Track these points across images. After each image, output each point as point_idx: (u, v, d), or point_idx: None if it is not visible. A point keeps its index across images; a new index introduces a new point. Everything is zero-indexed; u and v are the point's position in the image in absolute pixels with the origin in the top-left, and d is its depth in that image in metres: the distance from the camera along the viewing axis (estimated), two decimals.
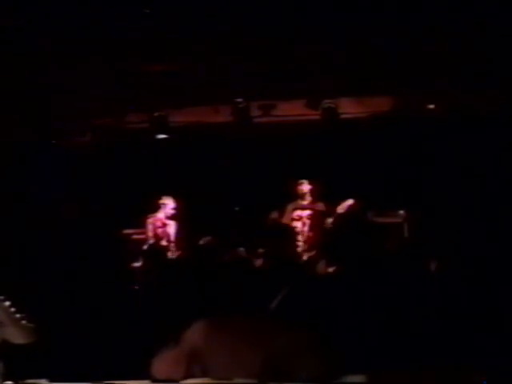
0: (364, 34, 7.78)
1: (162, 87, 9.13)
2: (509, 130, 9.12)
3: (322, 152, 9.94)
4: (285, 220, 9.20)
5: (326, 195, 9.20)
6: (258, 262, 8.48)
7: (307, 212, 9.22)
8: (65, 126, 10.02)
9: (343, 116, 9.85)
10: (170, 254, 9.08)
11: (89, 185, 10.03)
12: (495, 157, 9.28)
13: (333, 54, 8.29)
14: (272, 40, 7.94)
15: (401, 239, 9.04)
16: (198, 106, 9.98)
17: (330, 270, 8.14)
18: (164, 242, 9.15)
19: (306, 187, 9.27)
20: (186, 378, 3.31)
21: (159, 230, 9.25)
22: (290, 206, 9.29)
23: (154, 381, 3.42)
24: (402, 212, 9.34)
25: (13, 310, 3.50)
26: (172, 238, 9.26)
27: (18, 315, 3.51)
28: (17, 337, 3.54)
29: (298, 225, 9.16)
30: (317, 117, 9.80)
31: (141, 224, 9.46)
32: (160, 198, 9.37)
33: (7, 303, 3.50)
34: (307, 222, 9.17)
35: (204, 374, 3.29)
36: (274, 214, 9.40)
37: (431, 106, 9.60)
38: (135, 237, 9.55)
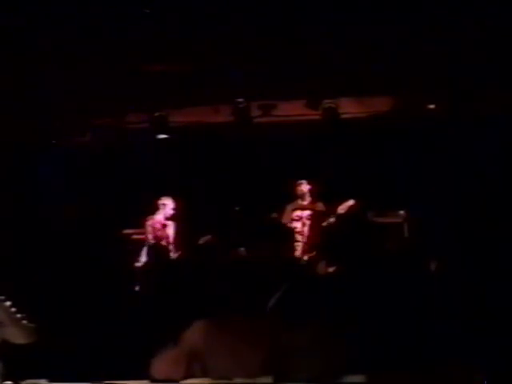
0: (364, 34, 7.78)
1: (162, 87, 9.13)
2: (509, 130, 9.12)
3: (322, 152, 9.93)
4: (284, 220, 9.20)
5: (326, 195, 9.20)
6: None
7: (307, 212, 9.21)
8: (65, 126, 10.01)
9: (343, 116, 9.84)
10: (170, 255, 9.09)
11: (89, 185, 10.02)
12: (495, 157, 9.27)
13: (333, 54, 8.29)
14: (272, 40, 7.94)
15: (401, 239, 9.04)
16: (198, 106, 9.97)
17: (330, 270, 8.15)
18: (163, 243, 9.14)
19: (305, 187, 9.27)
20: (185, 377, 3.31)
21: (158, 232, 9.23)
22: (289, 207, 9.29)
23: (153, 381, 3.43)
24: (402, 212, 9.34)
25: (13, 310, 3.50)
26: (171, 238, 9.25)
27: (18, 315, 3.51)
28: (17, 337, 3.53)
29: (297, 225, 9.16)
30: (317, 117, 9.79)
31: (141, 224, 9.45)
32: (159, 199, 9.36)
33: (7, 303, 3.50)
34: (307, 222, 9.16)
35: (204, 374, 3.29)
36: (274, 214, 9.40)
37: (431, 106, 9.59)
38: (135, 237, 9.55)
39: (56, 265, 8.49)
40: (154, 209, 9.39)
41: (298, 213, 9.24)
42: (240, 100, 9.73)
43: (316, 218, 9.11)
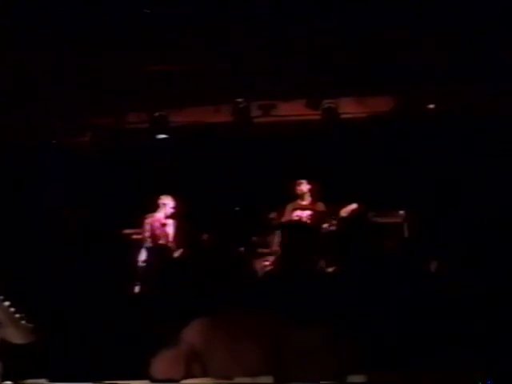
0: (364, 34, 7.78)
1: (162, 87, 9.13)
2: (508, 130, 9.12)
3: (322, 152, 9.93)
4: (284, 220, 9.19)
5: (326, 195, 9.20)
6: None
7: (307, 212, 9.21)
8: (65, 126, 10.01)
9: (343, 116, 9.84)
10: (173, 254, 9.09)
11: (89, 185, 10.02)
12: (495, 157, 9.27)
13: (333, 54, 8.29)
14: (272, 40, 7.94)
15: (401, 239, 9.04)
16: (198, 106, 9.98)
17: (330, 269, 8.14)
18: (162, 242, 9.14)
19: (305, 187, 9.27)
20: (185, 377, 3.30)
21: (157, 230, 9.23)
22: (289, 207, 9.28)
23: (153, 381, 3.42)
24: (402, 212, 9.34)
25: (13, 310, 3.50)
26: (171, 237, 9.25)
27: (17, 315, 3.51)
28: (17, 337, 3.53)
29: None
30: (317, 117, 9.80)
31: (141, 224, 9.46)
32: (159, 198, 9.37)
33: (7, 303, 3.49)
34: (307, 222, 9.15)
35: (204, 373, 3.28)
36: (273, 214, 9.41)
37: (431, 106, 9.60)
38: (135, 237, 9.55)
39: (56, 265, 8.49)
40: (154, 208, 9.39)
41: (298, 213, 9.24)
42: (240, 100, 9.74)
43: (316, 218, 9.11)
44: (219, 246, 7.14)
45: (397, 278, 5.20)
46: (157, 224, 9.27)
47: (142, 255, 9.16)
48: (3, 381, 3.60)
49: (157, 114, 9.96)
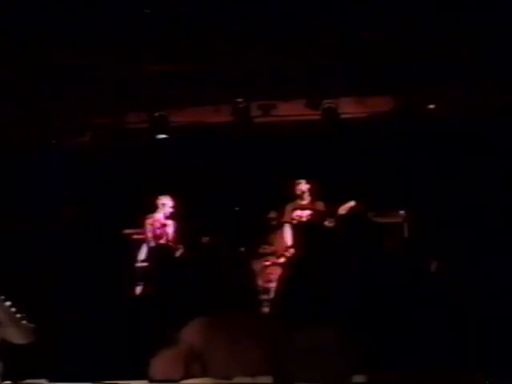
0: (364, 34, 7.78)
1: (162, 87, 9.13)
2: (508, 130, 9.12)
3: (322, 152, 9.93)
4: (285, 220, 9.19)
5: (326, 195, 9.19)
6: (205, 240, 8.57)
7: (307, 212, 9.21)
8: (65, 126, 10.01)
9: (343, 116, 9.84)
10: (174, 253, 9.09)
11: (89, 185, 10.02)
12: (495, 157, 9.27)
13: (333, 54, 8.29)
14: (272, 40, 7.94)
15: (401, 239, 9.04)
16: (198, 106, 9.97)
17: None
18: (163, 242, 9.15)
19: (304, 186, 9.26)
20: (185, 377, 3.30)
21: (158, 230, 9.24)
22: (289, 206, 9.28)
23: (153, 381, 3.42)
24: (402, 212, 9.33)
25: (13, 310, 3.50)
26: (171, 237, 9.25)
27: (18, 315, 3.51)
28: (17, 337, 3.53)
29: None
30: (317, 117, 9.79)
31: (141, 224, 9.46)
32: (158, 198, 9.37)
33: (7, 303, 3.50)
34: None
35: (203, 373, 3.28)
36: (273, 214, 9.40)
37: (431, 106, 9.59)
38: (135, 237, 9.55)
39: (56, 265, 8.49)
40: (154, 208, 9.39)
41: (298, 212, 9.24)
42: (240, 100, 9.73)
43: (316, 218, 9.11)
44: (219, 246, 7.15)
45: (396, 277, 5.20)
46: (157, 224, 9.27)
47: (142, 254, 9.16)
48: (3, 381, 3.60)
49: (157, 114, 9.95)
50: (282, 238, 9.10)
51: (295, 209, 9.26)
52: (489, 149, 9.30)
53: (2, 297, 3.50)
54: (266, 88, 9.32)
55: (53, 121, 9.91)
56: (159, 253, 8.89)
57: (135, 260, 9.13)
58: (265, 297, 7.73)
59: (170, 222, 9.30)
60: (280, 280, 7.64)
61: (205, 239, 8.85)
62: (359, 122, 9.90)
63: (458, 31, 7.74)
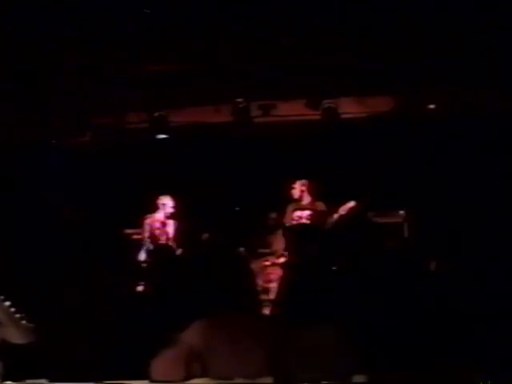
0: (364, 34, 7.78)
1: (162, 87, 9.13)
2: (508, 130, 9.12)
3: (322, 152, 9.93)
4: (285, 221, 9.19)
5: (326, 195, 9.19)
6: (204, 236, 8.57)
7: (307, 212, 9.20)
8: (65, 126, 10.01)
9: (343, 116, 9.84)
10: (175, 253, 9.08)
11: (89, 185, 10.02)
12: (495, 157, 9.28)
13: (333, 54, 8.29)
14: (272, 40, 7.94)
15: (401, 239, 9.04)
16: (198, 106, 9.97)
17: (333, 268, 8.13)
18: (162, 241, 9.15)
19: (298, 188, 9.21)
20: (186, 378, 3.30)
21: (157, 230, 9.24)
22: (290, 207, 9.27)
23: (153, 381, 3.42)
24: (402, 212, 9.34)
25: (13, 310, 3.50)
26: (171, 237, 9.25)
27: (17, 315, 3.51)
28: (17, 337, 3.53)
29: None
30: (317, 117, 9.79)
31: (141, 224, 9.46)
32: (159, 198, 9.37)
33: (7, 303, 3.49)
34: (307, 222, 9.15)
35: (204, 374, 3.28)
36: (273, 214, 9.40)
37: (431, 106, 9.60)
38: (135, 237, 9.55)
39: (56, 265, 8.48)
40: (154, 208, 9.39)
41: (298, 213, 9.23)
42: (240, 100, 9.74)
43: (316, 218, 9.10)
44: (219, 246, 7.14)
45: (396, 277, 5.20)
46: (156, 224, 9.27)
47: (142, 256, 9.16)
48: (3, 381, 3.60)
49: (157, 114, 9.96)
50: (281, 238, 9.10)
51: (296, 209, 9.26)
52: (489, 149, 9.30)
53: (2, 297, 3.50)
54: (266, 88, 9.32)
55: (53, 121, 9.91)
56: (159, 253, 8.89)
57: (135, 260, 9.13)
58: (265, 297, 7.73)
59: (169, 222, 9.30)
60: (280, 280, 7.65)
61: (204, 236, 8.86)
62: (359, 121, 9.90)
63: (458, 31, 7.73)
